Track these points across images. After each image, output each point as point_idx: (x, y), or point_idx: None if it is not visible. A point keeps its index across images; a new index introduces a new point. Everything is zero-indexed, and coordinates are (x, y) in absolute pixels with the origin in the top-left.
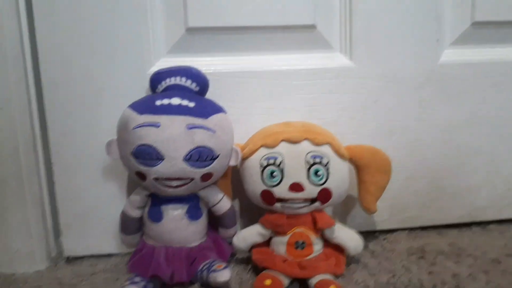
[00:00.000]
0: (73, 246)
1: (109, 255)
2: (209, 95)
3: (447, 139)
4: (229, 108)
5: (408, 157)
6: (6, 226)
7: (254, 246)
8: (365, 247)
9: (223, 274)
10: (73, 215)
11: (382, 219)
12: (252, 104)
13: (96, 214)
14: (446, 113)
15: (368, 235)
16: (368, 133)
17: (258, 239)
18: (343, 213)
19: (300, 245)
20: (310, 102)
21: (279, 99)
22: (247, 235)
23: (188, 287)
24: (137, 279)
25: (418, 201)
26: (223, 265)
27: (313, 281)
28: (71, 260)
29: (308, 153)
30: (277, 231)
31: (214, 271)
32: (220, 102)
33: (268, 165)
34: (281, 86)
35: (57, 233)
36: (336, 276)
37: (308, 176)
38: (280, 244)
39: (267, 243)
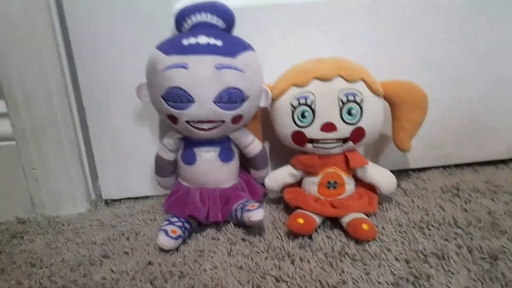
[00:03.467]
0: (110, 189)
1: (146, 197)
2: (236, 31)
3: (487, 70)
4: (258, 46)
5: (446, 91)
6: (47, 170)
7: (286, 186)
8: (398, 185)
9: (257, 213)
10: (108, 159)
11: (416, 157)
12: (282, 40)
13: (131, 157)
14: (488, 40)
15: (401, 173)
16: (404, 66)
17: (290, 180)
18: (376, 151)
19: (332, 185)
20: (343, 35)
21: (310, 33)
22: (279, 176)
23: (223, 226)
24: (174, 219)
25: (454, 138)
26: (256, 205)
27: (346, 219)
28: (110, 202)
29: (341, 90)
30: (309, 172)
31: (248, 210)
32: (247, 39)
33: (299, 105)
34: (312, 19)
35: (94, 177)
36: (369, 214)
37: (341, 115)
38: (312, 184)
39: (299, 183)
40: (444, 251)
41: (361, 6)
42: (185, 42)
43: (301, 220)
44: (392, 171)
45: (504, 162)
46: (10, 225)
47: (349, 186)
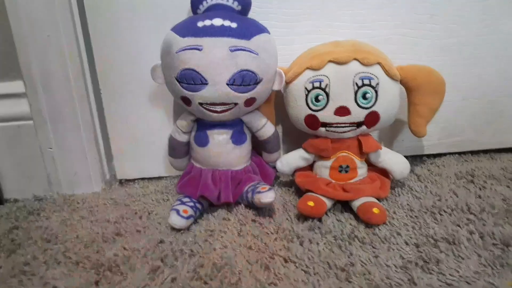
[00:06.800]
0: (125, 169)
1: (159, 178)
2: (252, 14)
3: (508, 56)
4: (273, 28)
5: (465, 77)
6: (64, 150)
7: (298, 170)
8: (412, 171)
9: (268, 195)
10: (123, 140)
11: (432, 143)
12: (298, 23)
13: (145, 138)
14: (510, 24)
15: (415, 159)
16: (422, 51)
17: (302, 163)
18: (391, 136)
19: (344, 169)
20: (361, 18)
21: (328, 16)
22: (291, 160)
23: (233, 207)
24: (186, 199)
25: (471, 124)
26: (267, 187)
27: (357, 203)
28: (124, 182)
29: (357, 74)
30: (321, 156)
31: (259, 192)
32: (263, 22)
33: (313, 88)
34: (329, 1)
35: (109, 157)
36: (380, 199)
37: (356, 99)
38: (324, 168)
39: (310, 166)
40: (455, 237)
41: None
42: (200, 24)
43: (311, 203)
44: (406, 157)
45: None
46: (27, 202)
47: (362, 170)
